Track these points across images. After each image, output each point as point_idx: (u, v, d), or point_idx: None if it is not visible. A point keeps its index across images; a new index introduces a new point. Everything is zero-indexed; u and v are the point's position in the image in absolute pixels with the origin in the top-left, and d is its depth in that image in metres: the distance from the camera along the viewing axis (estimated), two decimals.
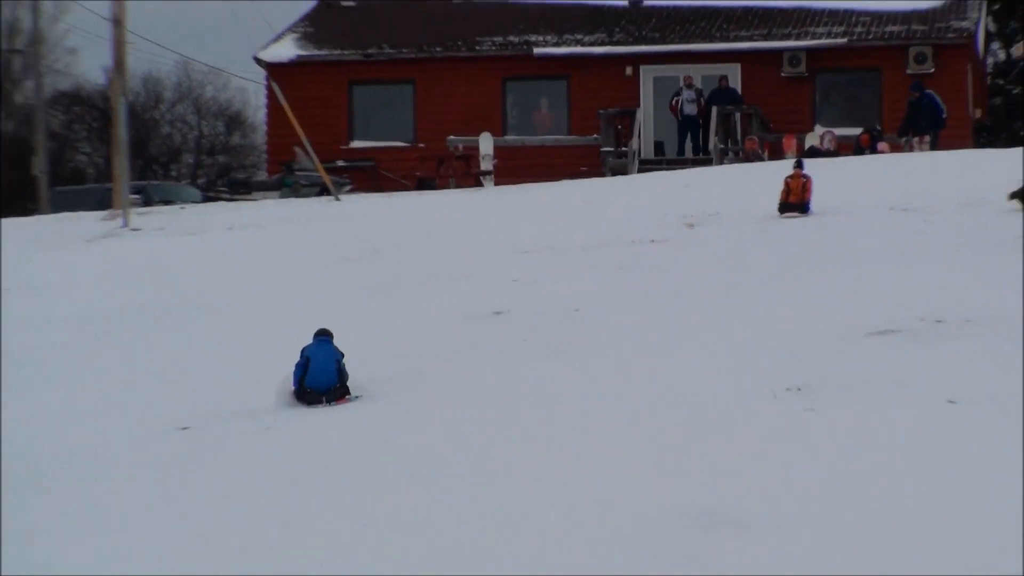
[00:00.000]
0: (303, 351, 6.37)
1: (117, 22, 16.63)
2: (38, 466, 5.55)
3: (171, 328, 9.54)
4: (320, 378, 6.31)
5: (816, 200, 11.03)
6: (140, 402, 6.83)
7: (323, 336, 6.50)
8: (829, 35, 20.25)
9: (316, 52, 21.51)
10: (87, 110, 32.49)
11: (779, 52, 20.01)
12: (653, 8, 22.10)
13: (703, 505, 3.99)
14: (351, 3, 22.92)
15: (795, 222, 11.11)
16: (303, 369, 6.30)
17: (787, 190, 11.41)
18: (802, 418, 4.88)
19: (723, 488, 4.15)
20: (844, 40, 19.99)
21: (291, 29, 21.85)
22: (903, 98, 18.37)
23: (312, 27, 22.25)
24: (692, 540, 3.59)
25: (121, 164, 16.16)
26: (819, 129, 18.85)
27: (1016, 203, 9.60)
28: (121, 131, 16.39)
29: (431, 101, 20.93)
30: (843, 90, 21.24)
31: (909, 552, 3.24)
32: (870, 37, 20.23)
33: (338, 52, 21.50)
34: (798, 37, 20.25)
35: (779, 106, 19.90)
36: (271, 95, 20.20)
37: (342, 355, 6.41)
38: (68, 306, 10.89)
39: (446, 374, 6.62)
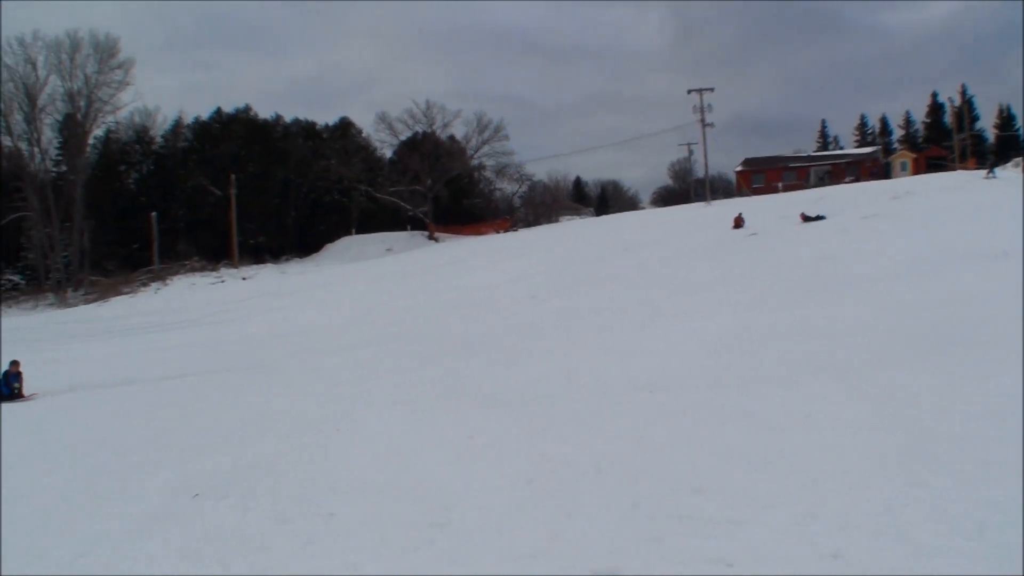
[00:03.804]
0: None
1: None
2: None
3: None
4: (3, 390, 12.10)
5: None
6: None
7: (11, 365, 11.93)
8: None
9: (744, 168, 77.51)
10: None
11: None
12: None
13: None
14: (755, 156, 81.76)
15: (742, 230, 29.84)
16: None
17: (735, 220, 32.15)
18: (694, 301, 15.83)
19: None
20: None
21: (740, 163, 78.74)
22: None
23: (746, 160, 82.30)
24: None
25: None
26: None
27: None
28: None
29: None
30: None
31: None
32: None
33: (754, 168, 79.26)
34: None
35: None
36: (737, 178, 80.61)
37: (17, 379, 11.90)
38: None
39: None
